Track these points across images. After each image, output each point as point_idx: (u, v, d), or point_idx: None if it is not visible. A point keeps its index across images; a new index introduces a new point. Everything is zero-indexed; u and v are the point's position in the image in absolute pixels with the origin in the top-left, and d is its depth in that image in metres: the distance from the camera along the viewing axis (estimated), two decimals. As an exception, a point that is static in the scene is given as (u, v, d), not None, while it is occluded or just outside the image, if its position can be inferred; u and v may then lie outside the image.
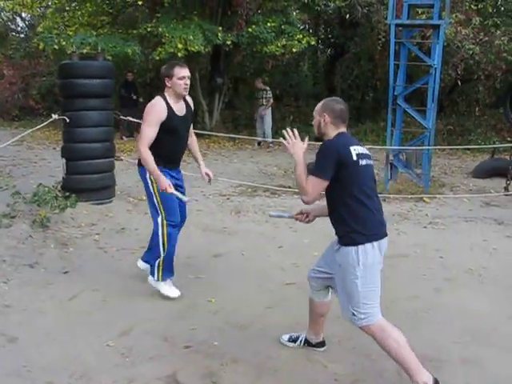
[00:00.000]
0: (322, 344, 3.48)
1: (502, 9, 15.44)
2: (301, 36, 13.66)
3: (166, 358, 3.36)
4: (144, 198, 7.42)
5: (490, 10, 14.33)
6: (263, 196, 8.02)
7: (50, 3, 15.14)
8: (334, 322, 3.50)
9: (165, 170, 4.11)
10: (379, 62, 16.13)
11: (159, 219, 4.16)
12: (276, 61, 17.48)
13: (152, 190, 4.15)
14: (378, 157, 10.71)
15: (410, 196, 7.91)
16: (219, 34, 12.80)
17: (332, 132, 3.04)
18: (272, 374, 3.21)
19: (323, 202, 3.13)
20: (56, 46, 12.45)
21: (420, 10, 11.86)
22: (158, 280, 4.25)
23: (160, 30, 12.36)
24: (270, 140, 12.84)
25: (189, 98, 4.31)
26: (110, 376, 3.14)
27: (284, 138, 3.10)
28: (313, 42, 14.17)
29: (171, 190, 3.96)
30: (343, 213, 2.97)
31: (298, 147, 3.04)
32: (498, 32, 13.09)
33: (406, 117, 9.68)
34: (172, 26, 12.41)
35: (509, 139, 12.80)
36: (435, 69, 8.02)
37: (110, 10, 14.96)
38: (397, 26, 8.34)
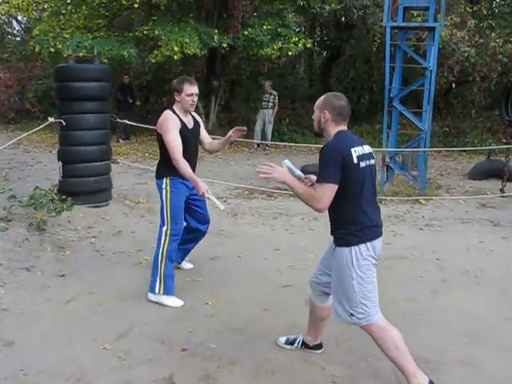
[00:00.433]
0: (319, 346, 3.49)
1: (497, 11, 15.55)
2: (297, 39, 13.67)
3: (163, 360, 3.36)
4: (141, 200, 7.48)
5: (485, 13, 14.42)
6: (260, 198, 8.03)
7: (46, 6, 15.10)
8: (331, 323, 3.49)
9: (183, 181, 4.19)
10: (375, 64, 16.20)
11: (164, 229, 4.23)
12: (272, 63, 17.52)
13: (164, 199, 4.23)
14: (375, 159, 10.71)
15: (406, 198, 7.93)
16: (215, 37, 12.80)
17: (332, 129, 3.00)
18: (269, 376, 3.21)
19: None
20: (52, 49, 12.44)
21: (415, 13, 11.92)
22: (158, 293, 4.22)
23: (156, 32, 12.36)
24: (269, 143, 12.83)
25: (195, 114, 4.44)
26: (106, 379, 3.13)
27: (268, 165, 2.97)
28: (309, 45, 14.18)
29: (208, 194, 4.01)
30: (341, 216, 2.98)
31: (279, 171, 2.96)
32: (493, 34, 13.16)
33: (402, 119, 9.70)
34: (168, 28, 12.42)
35: (504, 141, 12.79)
36: (431, 71, 8.05)
37: (106, 13, 14.94)
38: (392, 28, 8.37)
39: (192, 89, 4.13)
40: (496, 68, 13.37)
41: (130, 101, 14.29)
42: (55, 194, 6.50)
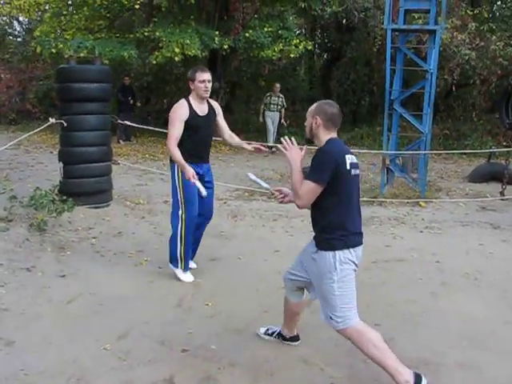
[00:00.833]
0: (295, 338, 3.58)
1: (498, 14, 15.57)
2: (297, 41, 13.70)
3: (164, 361, 3.36)
4: (141, 201, 7.49)
5: (486, 16, 14.44)
6: (260, 200, 8.03)
7: (47, 7, 15.13)
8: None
9: (190, 163, 4.42)
10: (375, 67, 16.23)
11: (179, 212, 4.56)
12: (272, 65, 17.55)
13: (177, 184, 4.52)
14: (375, 161, 10.75)
15: (406, 200, 7.94)
16: (216, 39, 12.82)
17: (323, 135, 3.06)
18: (269, 377, 3.22)
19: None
20: (53, 50, 12.47)
21: (416, 15, 11.94)
22: (179, 268, 4.67)
23: (157, 34, 12.38)
24: (271, 144, 12.81)
25: (214, 103, 4.76)
26: (107, 379, 3.14)
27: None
28: (309, 47, 14.20)
29: (194, 180, 4.28)
30: (329, 220, 3.01)
31: (296, 153, 3.08)
32: (494, 37, 13.18)
33: (403, 121, 9.71)
34: (169, 30, 12.44)
35: (505, 144, 12.84)
36: (431, 74, 8.06)
37: (107, 15, 14.95)
38: (393, 30, 8.38)
39: (204, 75, 4.43)
40: (496, 71, 13.40)
41: (131, 102, 14.30)
42: (56, 194, 6.50)
